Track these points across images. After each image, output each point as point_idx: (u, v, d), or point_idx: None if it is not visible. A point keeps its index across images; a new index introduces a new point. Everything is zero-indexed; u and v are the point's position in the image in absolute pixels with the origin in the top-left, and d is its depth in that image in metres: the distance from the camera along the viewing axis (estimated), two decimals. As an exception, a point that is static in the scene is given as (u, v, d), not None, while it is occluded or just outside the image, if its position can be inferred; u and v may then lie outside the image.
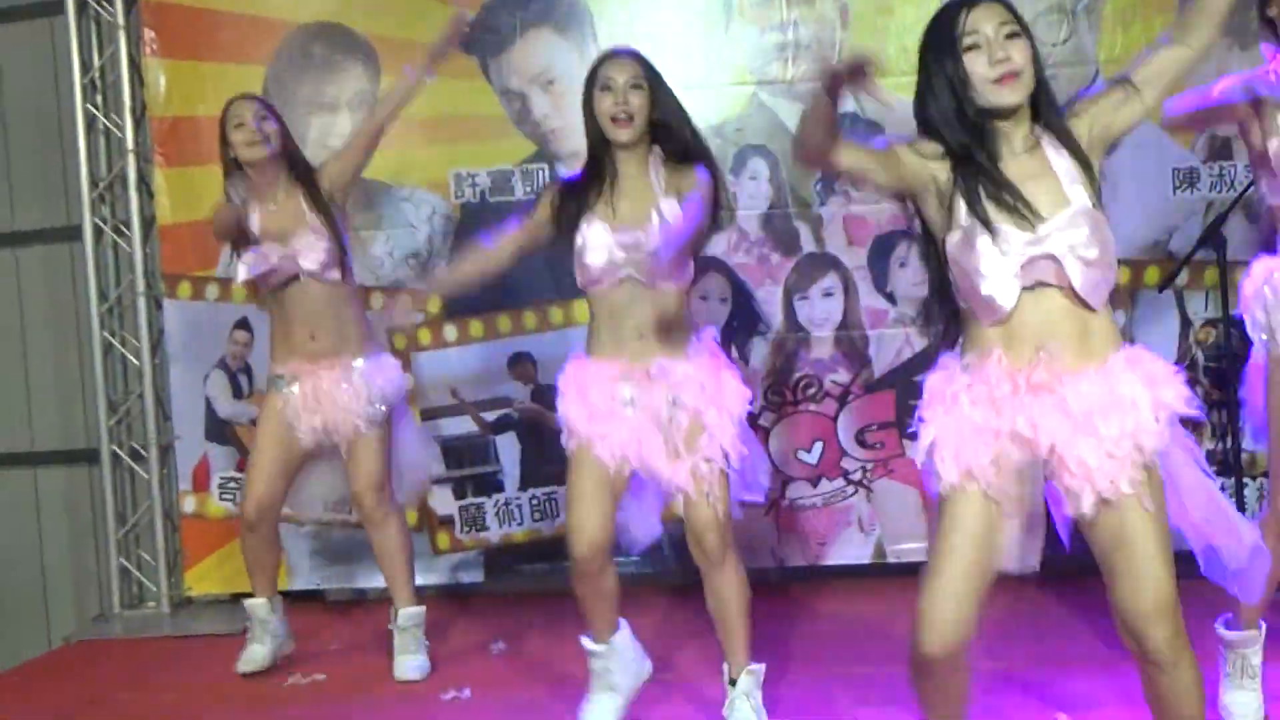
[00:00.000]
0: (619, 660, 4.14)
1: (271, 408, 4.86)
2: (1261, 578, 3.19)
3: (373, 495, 4.84)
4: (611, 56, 4.07)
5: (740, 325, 5.71)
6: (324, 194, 4.78)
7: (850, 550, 5.67)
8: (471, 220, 5.76)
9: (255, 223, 4.76)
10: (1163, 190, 5.56)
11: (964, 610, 2.93)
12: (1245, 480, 5.50)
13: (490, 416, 5.78)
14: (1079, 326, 2.95)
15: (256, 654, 5.00)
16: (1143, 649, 2.92)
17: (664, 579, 5.72)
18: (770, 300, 5.69)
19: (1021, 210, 2.93)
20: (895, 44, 5.42)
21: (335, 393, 4.76)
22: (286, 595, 5.92)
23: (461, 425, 5.84)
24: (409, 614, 4.89)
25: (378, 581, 5.82)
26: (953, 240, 2.98)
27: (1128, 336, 5.52)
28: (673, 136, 4.04)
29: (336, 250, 4.76)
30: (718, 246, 5.65)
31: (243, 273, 4.78)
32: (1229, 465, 5.47)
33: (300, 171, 4.81)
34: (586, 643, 4.13)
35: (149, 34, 5.87)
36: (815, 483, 5.67)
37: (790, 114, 5.52)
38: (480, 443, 5.81)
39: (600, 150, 4.04)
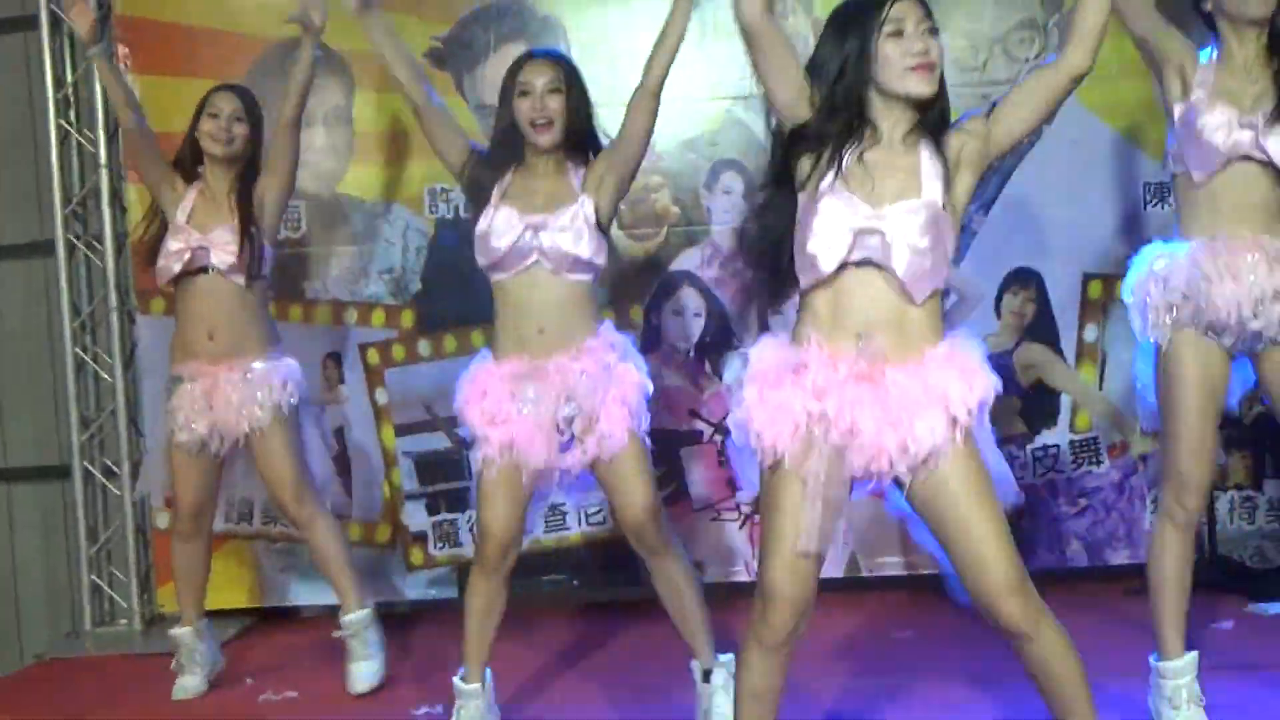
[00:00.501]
0: (475, 710, 4.15)
1: (170, 410, 4.84)
2: None
3: (291, 498, 4.82)
4: (530, 59, 4.11)
5: (714, 340, 5.72)
6: (255, 200, 4.80)
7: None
8: (447, 236, 5.76)
9: (185, 208, 4.79)
10: (1134, 204, 5.59)
11: (806, 588, 3.09)
12: (1217, 491, 5.56)
13: (464, 432, 5.77)
14: (898, 316, 3.06)
15: (189, 684, 4.97)
16: (1000, 624, 3.05)
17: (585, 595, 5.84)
18: (744, 315, 5.71)
19: (872, 182, 3.05)
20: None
21: (227, 394, 4.73)
22: (259, 612, 5.94)
23: (435, 441, 5.83)
24: (352, 620, 4.87)
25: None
26: (804, 194, 3.10)
27: (1100, 350, 5.61)
28: (579, 141, 4.11)
29: (247, 258, 4.74)
30: (691, 260, 5.67)
31: (164, 269, 4.77)
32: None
33: (247, 178, 4.84)
34: (458, 683, 4.15)
35: (122, 50, 5.85)
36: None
37: (763, 129, 5.52)
38: (453, 458, 5.80)
39: (512, 139, 4.07)
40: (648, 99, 4.10)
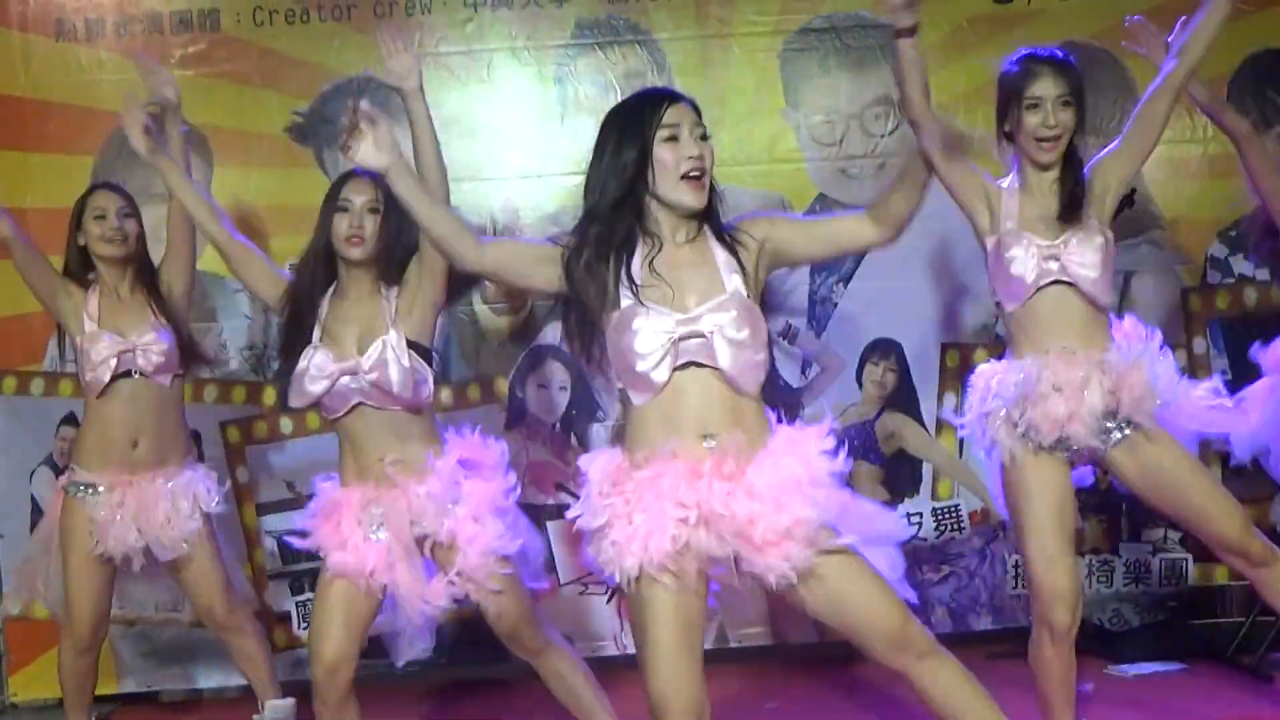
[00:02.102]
0: None
1: (80, 520, 4.61)
2: None
3: (222, 606, 4.72)
4: (353, 176, 4.08)
5: (579, 412, 5.71)
6: (164, 291, 4.72)
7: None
8: (308, 311, 5.70)
9: (91, 313, 4.65)
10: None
11: (695, 690, 3.12)
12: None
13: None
14: (732, 408, 3.12)
15: None
16: (898, 670, 3.16)
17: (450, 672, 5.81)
18: (610, 389, 5.71)
19: (674, 292, 3.11)
20: (730, 135, 5.52)
21: (156, 508, 4.58)
22: (118, 699, 5.78)
23: (298, 519, 5.72)
24: (276, 706, 4.78)
25: (214, 681, 5.72)
26: (610, 321, 3.13)
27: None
28: (390, 262, 4.06)
29: (176, 353, 4.67)
30: (556, 335, 5.67)
31: (95, 380, 4.59)
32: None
33: (146, 272, 4.74)
34: None
35: (-29, 124, 5.74)
36: (658, 569, 5.66)
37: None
38: (318, 537, 5.70)
39: (327, 255, 4.07)
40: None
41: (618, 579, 3.12)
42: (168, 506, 4.59)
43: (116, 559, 4.60)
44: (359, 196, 4.04)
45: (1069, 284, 3.88)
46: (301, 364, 3.97)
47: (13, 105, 5.73)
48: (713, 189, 3.20)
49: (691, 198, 3.14)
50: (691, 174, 3.13)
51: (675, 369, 3.10)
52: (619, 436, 3.40)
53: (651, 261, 3.14)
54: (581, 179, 5.57)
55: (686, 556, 3.07)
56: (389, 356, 3.94)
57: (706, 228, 3.20)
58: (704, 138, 3.17)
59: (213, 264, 5.55)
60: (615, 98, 5.68)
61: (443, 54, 5.75)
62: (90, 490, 4.62)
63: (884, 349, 5.74)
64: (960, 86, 5.65)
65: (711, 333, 3.08)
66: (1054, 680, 4.02)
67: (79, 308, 4.68)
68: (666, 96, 3.20)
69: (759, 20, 5.72)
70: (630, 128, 3.15)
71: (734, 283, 3.14)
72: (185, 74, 5.64)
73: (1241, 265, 5.71)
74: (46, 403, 5.73)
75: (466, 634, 5.65)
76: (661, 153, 3.13)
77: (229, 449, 5.69)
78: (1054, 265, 3.87)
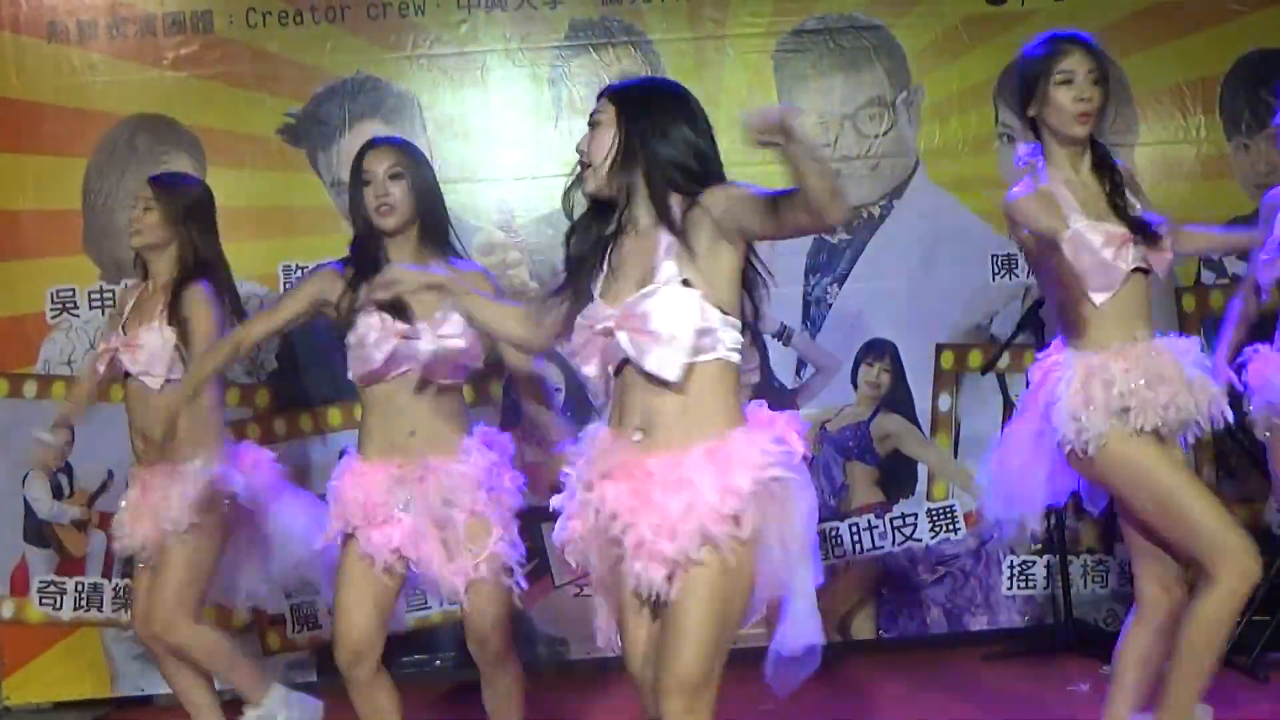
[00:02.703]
0: None
1: None
2: (799, 675, 3.12)
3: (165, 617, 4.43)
4: (371, 147, 4.03)
5: (573, 413, 5.70)
6: (185, 306, 4.43)
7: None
8: (301, 313, 5.69)
9: (126, 310, 4.56)
10: (983, 276, 5.73)
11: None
12: (1070, 556, 5.66)
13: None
14: (674, 408, 2.97)
15: None
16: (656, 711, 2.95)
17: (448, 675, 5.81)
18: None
19: (617, 284, 3.04)
20: (724, 136, 5.49)
21: (159, 501, 4.39)
22: (111, 702, 5.77)
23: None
24: (271, 700, 4.57)
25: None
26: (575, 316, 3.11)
27: (954, 419, 5.71)
28: (431, 224, 4.00)
29: (159, 359, 4.42)
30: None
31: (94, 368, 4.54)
32: (1053, 543, 5.62)
33: (186, 275, 4.48)
34: None
35: (-34, 124, 5.73)
36: (652, 571, 5.65)
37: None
38: (312, 539, 5.69)
39: (370, 241, 3.97)
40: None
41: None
42: (167, 500, 4.37)
43: (124, 553, 4.57)
44: (379, 165, 3.95)
45: (1145, 271, 3.78)
46: (353, 335, 3.88)
47: (5, 107, 5.71)
48: (656, 170, 3.04)
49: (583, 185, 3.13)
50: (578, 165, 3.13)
51: (619, 365, 3.01)
52: None
53: (610, 253, 3.10)
54: (576, 180, 5.67)
55: (593, 544, 3.07)
56: (458, 324, 3.84)
57: (660, 215, 3.02)
58: (593, 125, 3.11)
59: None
60: (609, 99, 5.69)
61: (437, 55, 5.75)
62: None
63: (879, 350, 5.74)
64: (954, 87, 5.67)
65: (620, 330, 2.96)
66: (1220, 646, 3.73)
67: (125, 302, 4.63)
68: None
69: (752, 22, 5.73)
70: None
71: (668, 270, 2.97)
72: (178, 75, 5.65)
73: (1235, 265, 5.71)
74: (38, 405, 5.71)
75: (462, 637, 5.65)
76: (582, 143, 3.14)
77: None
78: (1139, 251, 3.75)
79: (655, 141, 3.04)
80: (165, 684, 5.70)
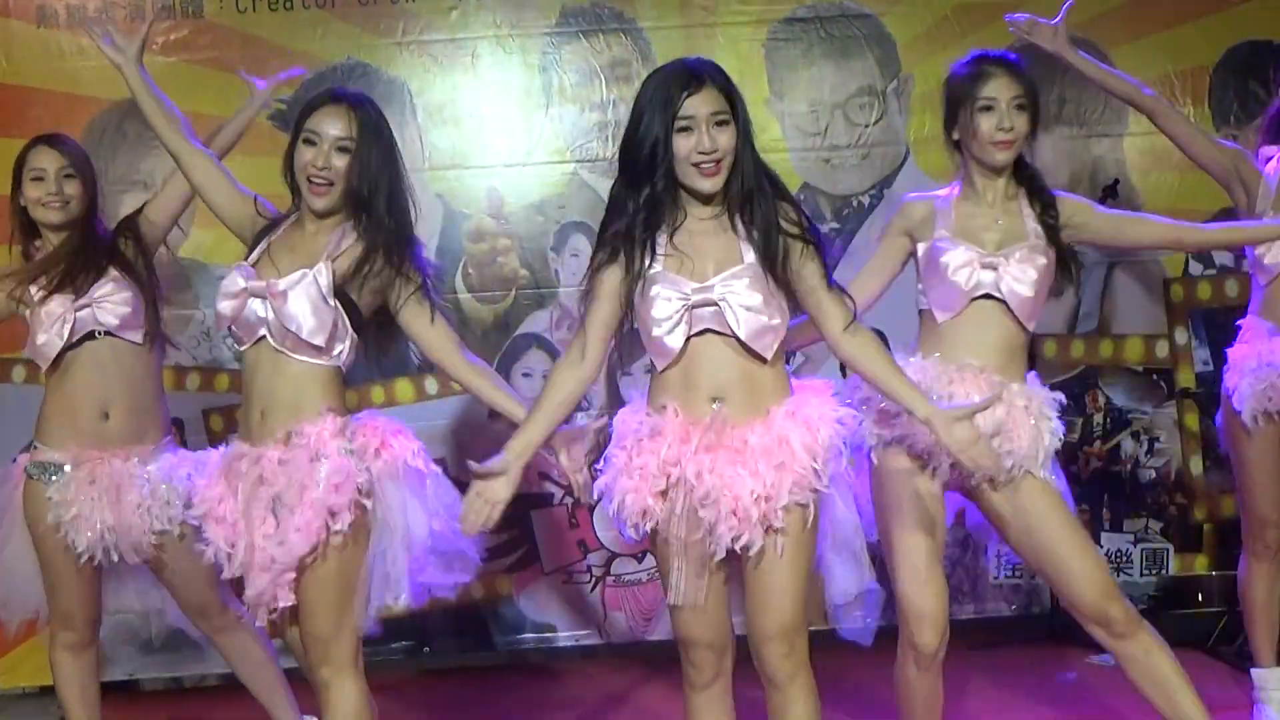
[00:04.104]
0: None
1: (42, 507, 4.10)
2: (871, 622, 3.51)
3: (216, 603, 4.24)
4: (330, 100, 3.59)
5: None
6: (142, 238, 4.24)
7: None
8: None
9: (39, 282, 4.16)
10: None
11: (718, 632, 3.34)
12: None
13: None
14: (748, 375, 3.24)
15: None
16: (761, 667, 3.29)
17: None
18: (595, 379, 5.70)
19: (693, 261, 3.23)
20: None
21: (128, 489, 4.07)
22: (101, 687, 5.75)
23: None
24: None
25: (195, 669, 5.70)
26: (638, 290, 3.25)
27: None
28: (366, 208, 3.53)
29: (144, 307, 4.17)
30: (539, 324, 5.67)
31: (48, 345, 4.08)
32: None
33: (98, 239, 4.23)
34: None
35: (-48, 109, 5.71)
36: (640, 558, 5.68)
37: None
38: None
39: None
40: None
41: (626, 530, 3.29)
42: (142, 492, 4.09)
43: (93, 556, 4.09)
44: (331, 128, 3.53)
45: (1001, 302, 3.72)
46: (223, 283, 3.58)
47: (-7, 91, 5.71)
48: (743, 167, 3.24)
49: (704, 184, 3.23)
50: (702, 165, 3.21)
51: (693, 335, 3.22)
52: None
53: (674, 233, 3.26)
54: (566, 167, 5.70)
55: (674, 514, 3.22)
56: (308, 290, 3.45)
57: (729, 204, 3.26)
58: (721, 123, 3.21)
59: (196, 250, 5.55)
60: (600, 86, 5.70)
61: (427, 41, 5.74)
62: (50, 469, 4.14)
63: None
64: (944, 76, 5.65)
65: (724, 299, 3.18)
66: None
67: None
68: (691, 83, 3.21)
69: (743, 10, 5.73)
70: (652, 110, 3.22)
71: (749, 255, 3.23)
72: (168, 60, 5.62)
73: (1223, 257, 5.72)
74: (27, 390, 5.68)
75: (452, 623, 5.67)
76: (676, 141, 3.20)
77: (213, 437, 5.67)
78: (990, 276, 3.72)
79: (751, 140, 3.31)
80: (152, 669, 5.77)
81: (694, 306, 3.20)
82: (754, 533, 3.17)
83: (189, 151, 3.83)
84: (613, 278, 3.28)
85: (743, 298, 3.19)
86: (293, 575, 3.44)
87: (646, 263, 3.23)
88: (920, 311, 3.94)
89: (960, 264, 3.74)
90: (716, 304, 3.19)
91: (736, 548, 3.18)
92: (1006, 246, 3.75)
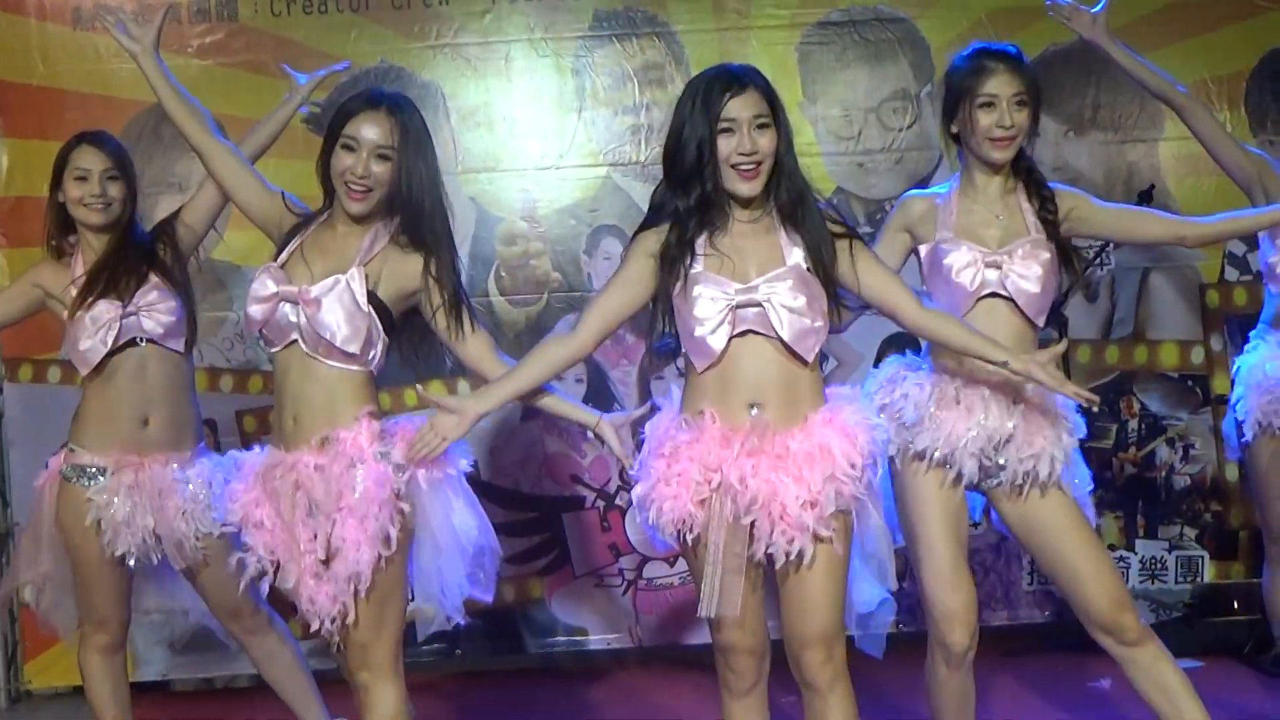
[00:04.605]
0: None
1: (80, 509, 4.11)
2: (882, 632, 3.51)
3: (249, 605, 4.23)
4: (370, 105, 3.50)
5: (595, 406, 5.69)
6: (179, 243, 4.23)
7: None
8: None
9: (77, 284, 4.15)
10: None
11: (757, 638, 3.35)
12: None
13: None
14: (787, 379, 3.25)
15: None
16: (800, 673, 3.28)
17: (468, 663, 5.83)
18: (625, 380, 5.71)
19: (734, 262, 3.25)
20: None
21: (169, 495, 4.09)
22: (134, 687, 5.78)
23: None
24: None
25: (227, 670, 5.72)
26: (677, 290, 3.27)
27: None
28: (408, 213, 3.49)
29: (185, 315, 4.19)
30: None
31: (92, 351, 4.07)
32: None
33: (137, 242, 4.24)
34: None
35: (-10, 112, 5.75)
36: (672, 562, 5.67)
37: (642, 195, 5.57)
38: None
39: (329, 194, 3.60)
40: None
41: (663, 537, 3.29)
42: (184, 497, 4.10)
43: (134, 558, 4.11)
44: (371, 132, 3.47)
45: (1008, 300, 3.69)
46: (253, 285, 3.54)
47: (31, 94, 5.74)
48: (784, 171, 3.29)
49: (743, 187, 3.26)
50: (741, 167, 3.23)
51: (734, 336, 3.23)
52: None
53: (714, 235, 3.28)
54: (599, 170, 5.70)
55: (714, 521, 3.22)
56: (341, 298, 3.42)
57: (778, 209, 3.30)
58: (763, 126, 3.24)
59: (230, 253, 5.57)
60: (633, 89, 5.70)
61: (460, 45, 5.75)
62: (88, 472, 4.14)
63: (900, 343, 5.72)
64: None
65: (768, 300, 3.20)
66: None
67: (64, 283, 4.18)
68: (733, 85, 3.25)
69: (777, 13, 5.73)
70: (696, 112, 3.24)
71: (795, 256, 3.26)
72: (203, 64, 5.67)
73: (1259, 262, 5.68)
74: (63, 390, 5.72)
75: (484, 627, 5.67)
76: (719, 143, 3.23)
77: (246, 439, 5.69)
78: (994, 275, 3.69)
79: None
80: (184, 670, 5.79)
81: (738, 307, 3.22)
82: (805, 539, 3.18)
83: (212, 145, 3.80)
84: (644, 269, 3.31)
85: (786, 299, 3.20)
86: (352, 590, 3.39)
87: (688, 261, 3.25)
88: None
89: (964, 264, 3.72)
90: (760, 305, 3.20)
91: (790, 555, 3.18)
92: (1008, 243, 3.73)
